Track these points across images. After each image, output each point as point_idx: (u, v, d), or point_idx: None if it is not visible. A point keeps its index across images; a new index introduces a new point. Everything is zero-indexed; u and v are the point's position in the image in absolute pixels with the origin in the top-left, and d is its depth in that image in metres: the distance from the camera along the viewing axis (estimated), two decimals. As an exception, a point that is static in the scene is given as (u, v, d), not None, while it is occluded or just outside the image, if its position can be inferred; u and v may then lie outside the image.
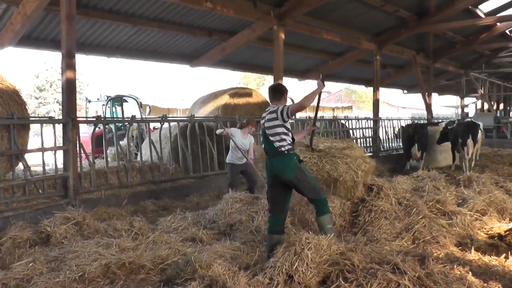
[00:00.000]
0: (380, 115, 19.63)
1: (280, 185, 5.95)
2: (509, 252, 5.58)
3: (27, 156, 8.67)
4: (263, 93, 25.70)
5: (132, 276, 5.14)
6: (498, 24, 21.04)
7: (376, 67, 18.76)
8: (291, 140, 5.98)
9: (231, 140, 9.11)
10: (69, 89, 8.66)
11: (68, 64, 8.56)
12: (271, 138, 5.85)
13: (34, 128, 11.12)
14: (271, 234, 5.92)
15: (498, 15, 19.33)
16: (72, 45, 8.64)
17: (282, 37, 13.27)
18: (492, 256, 5.59)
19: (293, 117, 6.18)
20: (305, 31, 14.81)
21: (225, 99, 13.59)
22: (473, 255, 5.62)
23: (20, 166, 8.60)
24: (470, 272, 4.81)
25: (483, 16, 18.90)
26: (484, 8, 19.09)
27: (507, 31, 23.04)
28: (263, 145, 6.25)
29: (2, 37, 10.41)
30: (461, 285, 4.52)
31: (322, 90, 6.19)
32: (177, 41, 14.20)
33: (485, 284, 4.64)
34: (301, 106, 5.96)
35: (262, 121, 6.11)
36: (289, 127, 5.98)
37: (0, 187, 7.78)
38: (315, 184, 6.02)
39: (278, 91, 6.16)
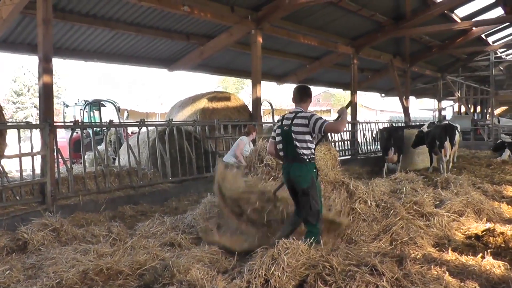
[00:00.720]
0: (358, 119, 19.78)
1: (292, 190, 6.04)
2: (486, 252, 5.61)
3: (4, 162, 8.54)
4: (242, 97, 25.78)
5: (110, 282, 5.08)
6: (474, 28, 21.44)
7: (354, 70, 18.94)
8: (314, 150, 5.98)
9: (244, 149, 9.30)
10: (46, 94, 8.55)
11: (45, 69, 8.47)
12: (297, 143, 5.77)
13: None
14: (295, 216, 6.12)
15: (473, 19, 19.62)
16: (49, 49, 8.55)
17: (260, 41, 13.34)
18: (469, 256, 5.64)
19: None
20: (283, 35, 14.89)
21: (203, 103, 13.55)
22: (450, 256, 5.67)
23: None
24: (447, 272, 4.90)
25: (459, 20, 19.15)
26: (460, 13, 19.37)
27: (483, 36, 23.42)
28: (280, 146, 6.03)
29: (-22, 41, 10.26)
30: (438, 285, 4.60)
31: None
32: (154, 45, 14.15)
33: (462, 284, 4.72)
34: (337, 130, 6.26)
35: (286, 122, 5.95)
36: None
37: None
38: (320, 208, 5.98)
39: (305, 94, 6.13)
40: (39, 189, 8.61)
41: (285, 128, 5.94)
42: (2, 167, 8.32)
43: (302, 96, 6.11)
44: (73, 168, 9.56)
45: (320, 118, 5.79)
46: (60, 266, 5.21)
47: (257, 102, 13.72)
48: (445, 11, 17.88)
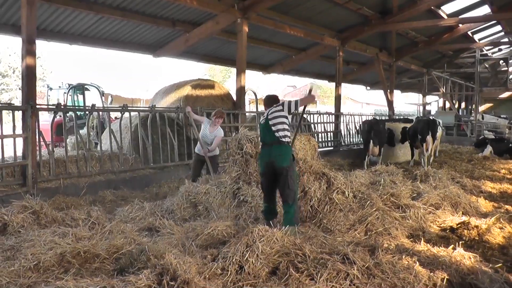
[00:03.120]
0: (343, 111, 19.89)
1: (270, 174, 6.41)
2: (457, 243, 5.74)
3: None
4: (229, 86, 25.71)
5: (87, 265, 5.11)
6: (460, 25, 21.61)
7: (339, 63, 19.05)
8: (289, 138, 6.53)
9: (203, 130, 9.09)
10: (29, 76, 8.56)
11: (29, 50, 8.46)
12: (273, 128, 6.33)
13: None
14: (268, 221, 6.44)
15: (460, 16, 19.80)
16: (32, 31, 8.53)
17: (246, 30, 13.37)
18: (441, 247, 5.73)
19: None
20: (269, 25, 14.91)
21: (187, 90, 13.53)
22: (422, 246, 5.77)
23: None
24: (417, 262, 5.01)
25: (445, 17, 19.32)
26: (446, 9, 19.53)
27: (469, 33, 23.65)
28: (260, 138, 6.70)
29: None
30: (408, 274, 4.71)
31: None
32: (140, 31, 14.07)
33: (432, 274, 4.81)
34: (309, 100, 6.78)
35: (262, 118, 6.62)
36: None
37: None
38: (296, 190, 6.47)
39: (275, 101, 6.87)
40: (20, 171, 8.64)
41: (262, 122, 6.59)
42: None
43: (271, 102, 6.83)
44: (54, 151, 9.53)
45: (291, 100, 6.52)
46: (38, 248, 5.24)
47: (241, 91, 13.74)
48: (432, 7, 18.04)
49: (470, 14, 20.31)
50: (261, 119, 6.75)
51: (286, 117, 6.45)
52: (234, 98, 14.50)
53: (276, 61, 20.60)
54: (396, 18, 17.78)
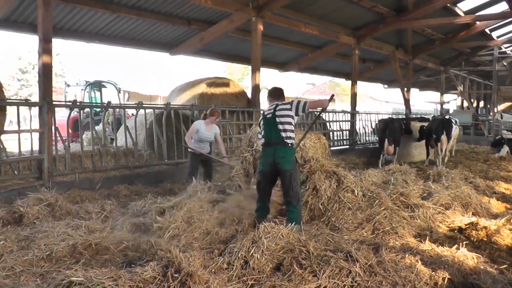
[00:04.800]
0: (361, 109, 19.83)
1: (271, 174, 6.48)
2: (462, 244, 5.74)
3: (3, 137, 8.74)
4: (247, 84, 25.64)
5: (98, 256, 5.29)
6: (477, 22, 21.37)
7: (354, 61, 18.96)
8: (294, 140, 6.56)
9: (193, 136, 8.98)
10: (46, 73, 8.79)
11: (45, 49, 8.70)
12: (280, 127, 6.32)
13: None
14: (262, 218, 6.40)
15: (477, 14, 19.55)
16: (48, 29, 8.74)
17: (261, 28, 13.44)
18: (445, 247, 5.74)
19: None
20: (284, 24, 14.90)
21: (202, 88, 13.67)
22: (426, 246, 5.78)
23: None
24: (420, 261, 5.03)
25: (462, 14, 19.10)
26: (463, 6, 19.30)
27: (486, 30, 23.30)
28: (262, 133, 6.53)
29: (-21, 19, 10.41)
30: (410, 273, 4.76)
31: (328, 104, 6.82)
32: (156, 29, 14.23)
33: (433, 273, 4.84)
34: (321, 104, 6.81)
35: (268, 112, 6.51)
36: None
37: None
38: (299, 191, 6.56)
39: (281, 93, 6.81)
40: (36, 165, 8.86)
41: (268, 116, 6.49)
42: (1, 142, 8.54)
43: (279, 95, 6.77)
44: (70, 146, 9.75)
45: (301, 100, 6.50)
46: (52, 239, 5.47)
47: (256, 89, 13.84)
48: (448, 4, 17.87)
49: (487, 11, 20.03)
50: (265, 112, 6.64)
51: (293, 118, 6.43)
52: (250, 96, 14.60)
53: (292, 59, 20.60)
54: (412, 16, 17.65)
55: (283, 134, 6.34)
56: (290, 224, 5.75)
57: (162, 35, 14.85)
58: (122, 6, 12.11)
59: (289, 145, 6.39)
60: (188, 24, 13.98)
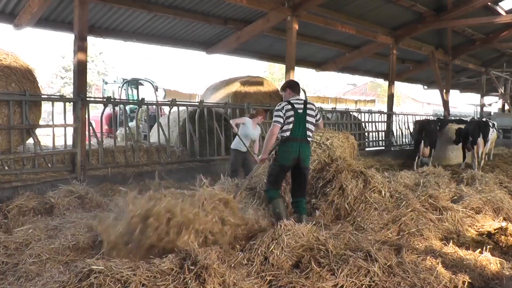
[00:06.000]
0: (403, 110, 19.56)
1: (289, 169, 6.74)
2: (485, 248, 5.64)
3: (40, 132, 9.05)
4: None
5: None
6: (520, 22, 20.80)
7: (392, 61, 18.77)
8: None
9: (240, 128, 9.18)
10: (80, 70, 9.06)
11: (80, 47, 8.98)
12: (308, 126, 6.59)
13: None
14: (279, 198, 6.73)
15: (520, 13, 19.03)
16: (83, 28, 9.01)
17: (296, 28, 13.42)
18: (468, 251, 5.67)
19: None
20: (320, 23, 14.86)
21: (236, 87, 13.79)
22: (450, 249, 5.72)
23: (31, 140, 9.00)
24: (440, 264, 5.00)
25: (503, 13, 18.54)
26: (504, 5, 18.66)
27: (530, 30, 22.68)
28: (290, 126, 6.51)
29: (20, 18, 10.72)
30: (429, 275, 4.74)
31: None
32: (192, 28, 14.36)
33: (453, 276, 4.81)
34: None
35: (299, 107, 6.59)
36: None
37: (11, 158, 8.22)
38: None
39: (300, 88, 7.21)
40: (70, 158, 9.14)
41: (299, 111, 6.56)
42: (36, 136, 8.83)
43: (299, 89, 7.07)
44: (104, 141, 9.98)
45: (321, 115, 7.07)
46: (78, 230, 5.70)
47: (290, 88, 13.76)
48: (489, 3, 17.42)
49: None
50: (295, 105, 6.59)
51: (315, 119, 6.77)
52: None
53: (328, 58, 20.47)
54: (451, 15, 17.36)
55: (309, 133, 6.60)
56: (308, 223, 5.85)
57: (199, 34, 14.98)
58: (159, 5, 12.27)
59: (310, 143, 6.75)
60: (224, 23, 14.09)
